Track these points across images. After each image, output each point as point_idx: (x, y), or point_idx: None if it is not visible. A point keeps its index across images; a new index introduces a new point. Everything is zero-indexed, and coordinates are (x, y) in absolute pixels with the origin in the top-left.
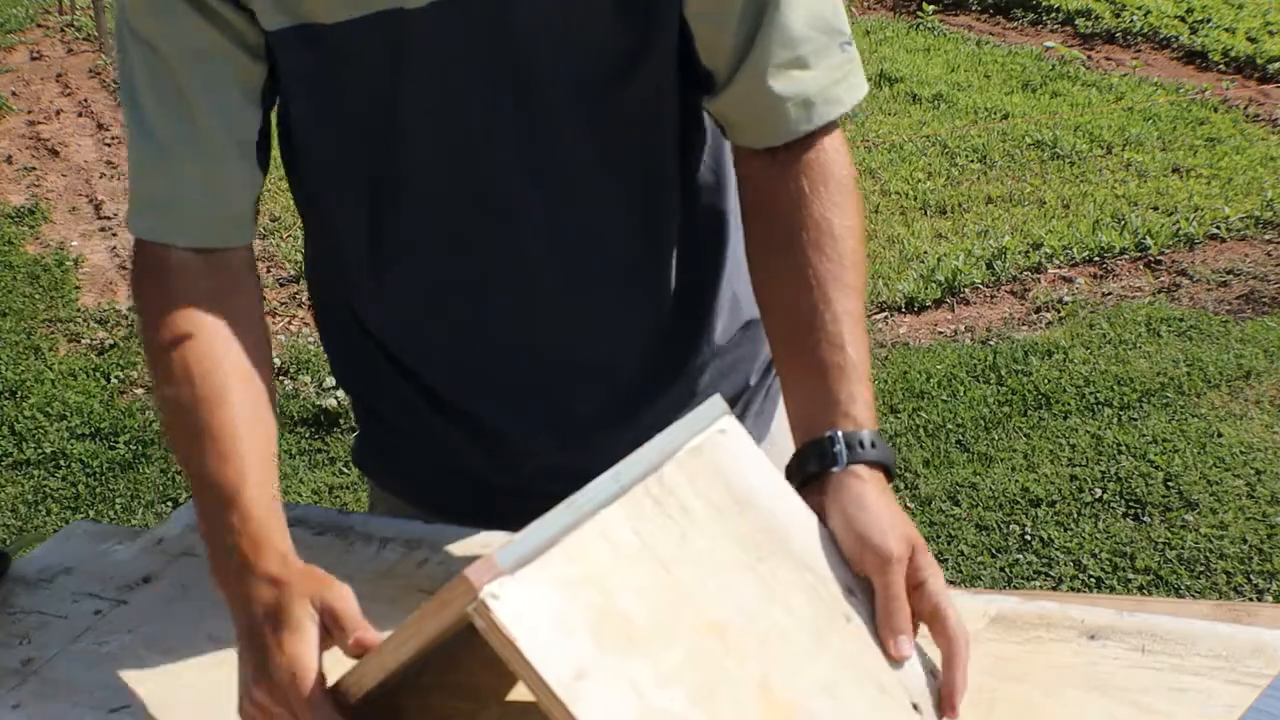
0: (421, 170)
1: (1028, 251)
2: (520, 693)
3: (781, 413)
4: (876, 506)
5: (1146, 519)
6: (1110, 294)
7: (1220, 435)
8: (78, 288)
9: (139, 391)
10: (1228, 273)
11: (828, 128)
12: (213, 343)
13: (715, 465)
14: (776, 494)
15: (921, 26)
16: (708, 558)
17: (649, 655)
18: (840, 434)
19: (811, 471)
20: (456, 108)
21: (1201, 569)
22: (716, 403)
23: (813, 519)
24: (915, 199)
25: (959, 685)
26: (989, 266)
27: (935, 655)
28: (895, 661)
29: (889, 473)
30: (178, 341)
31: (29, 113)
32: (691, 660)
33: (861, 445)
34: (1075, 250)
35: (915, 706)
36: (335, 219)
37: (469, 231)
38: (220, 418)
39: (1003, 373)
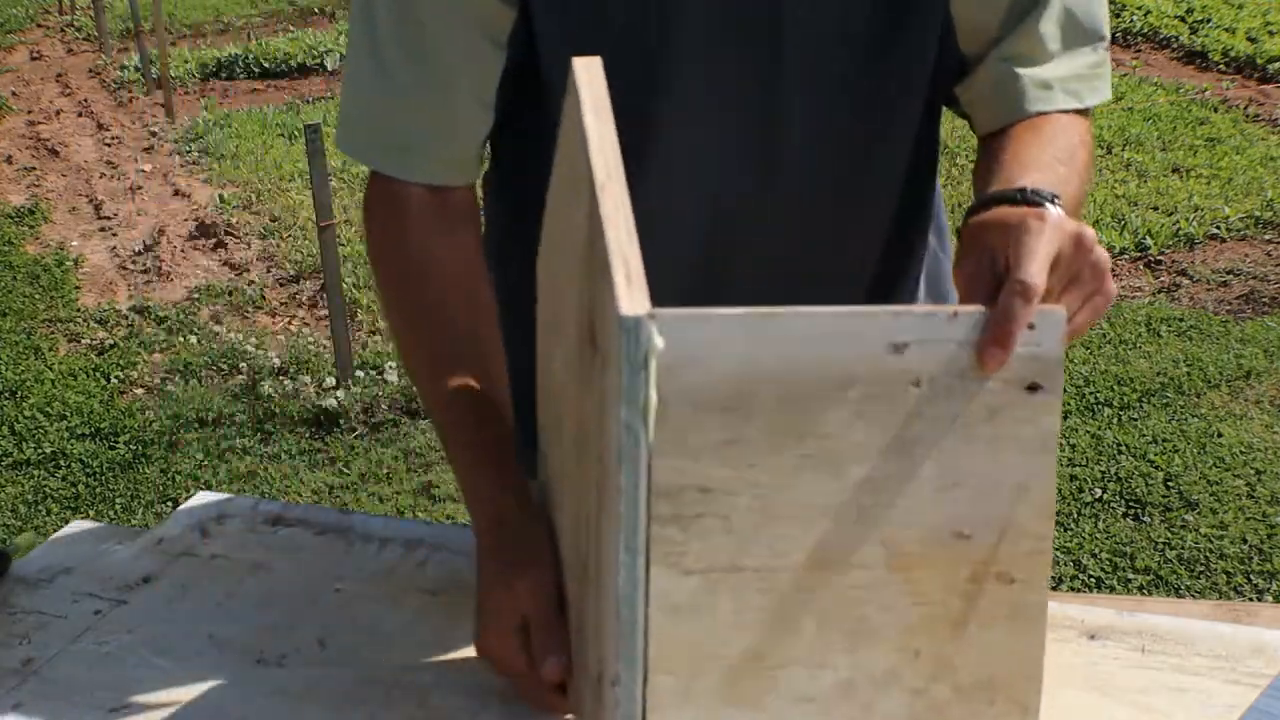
0: (678, 129)
1: None
2: None
3: None
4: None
5: (1146, 519)
6: None
7: (1220, 435)
8: (78, 288)
9: (139, 391)
10: (1228, 273)
11: (1067, 115)
12: (442, 279)
13: (686, 388)
14: (760, 330)
15: None
16: (759, 508)
17: (795, 660)
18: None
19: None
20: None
21: (1201, 569)
22: (638, 325)
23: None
24: None
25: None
26: None
27: None
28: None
29: None
30: (409, 276)
31: (29, 113)
32: (825, 619)
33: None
34: None
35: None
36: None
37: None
38: (442, 354)
39: None
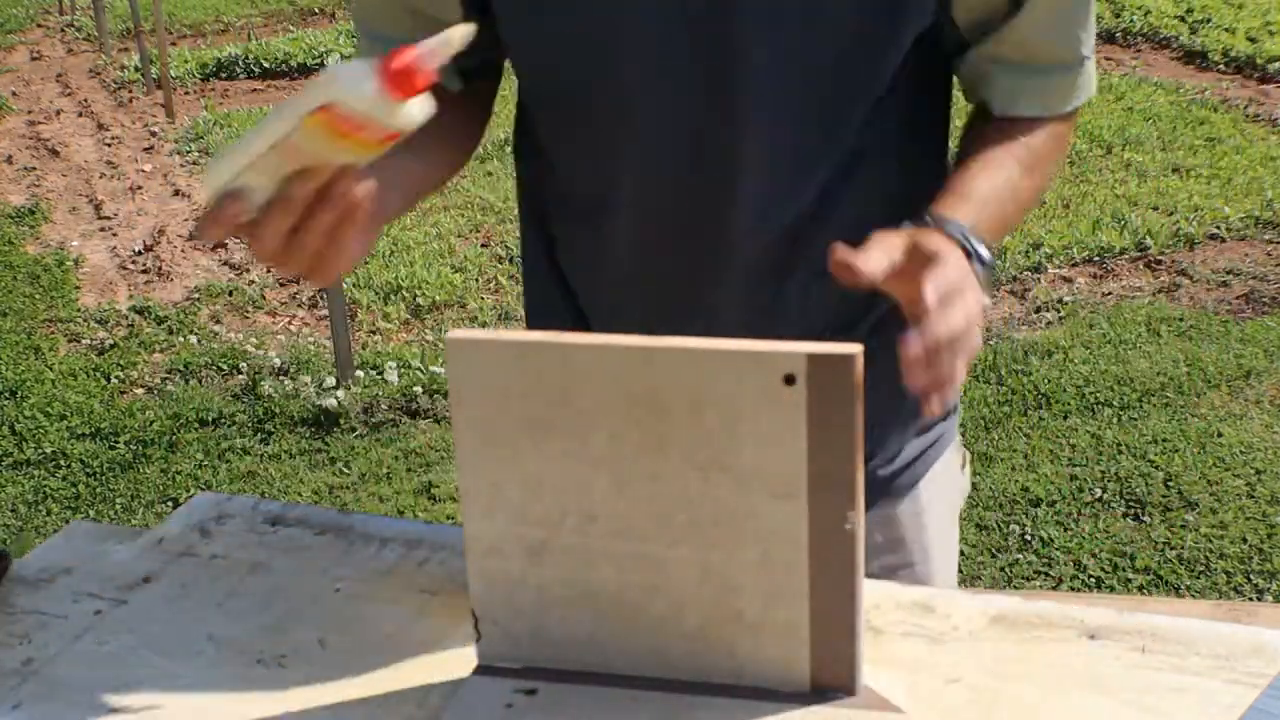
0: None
1: (1028, 251)
2: None
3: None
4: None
5: (1146, 519)
6: (1110, 294)
7: (1220, 435)
8: (78, 288)
9: (139, 391)
10: (1228, 273)
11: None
12: None
13: None
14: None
15: None
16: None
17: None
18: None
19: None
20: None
21: (1201, 569)
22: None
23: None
24: None
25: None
26: None
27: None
28: None
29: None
30: None
31: (29, 113)
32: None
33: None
34: (1075, 250)
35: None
36: (550, 147)
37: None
38: None
39: (1003, 372)
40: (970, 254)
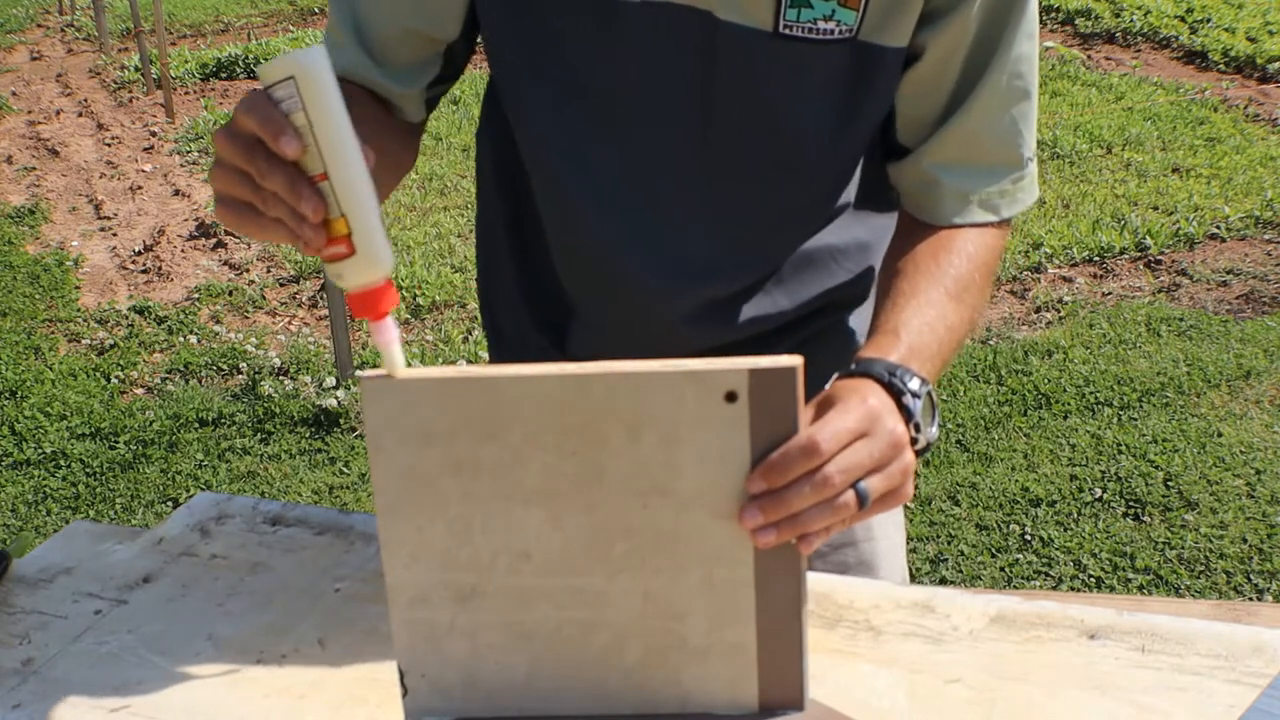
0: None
1: (1028, 251)
2: None
3: None
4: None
5: (1146, 519)
6: (1110, 294)
7: (1220, 435)
8: (78, 288)
9: (139, 391)
10: (1228, 273)
11: (983, 225)
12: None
13: None
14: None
15: None
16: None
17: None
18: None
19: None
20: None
21: (1201, 569)
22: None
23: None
24: None
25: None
26: None
27: None
28: None
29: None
30: None
31: (29, 113)
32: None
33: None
34: (1075, 250)
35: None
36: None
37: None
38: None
39: (1003, 372)
40: (900, 390)
